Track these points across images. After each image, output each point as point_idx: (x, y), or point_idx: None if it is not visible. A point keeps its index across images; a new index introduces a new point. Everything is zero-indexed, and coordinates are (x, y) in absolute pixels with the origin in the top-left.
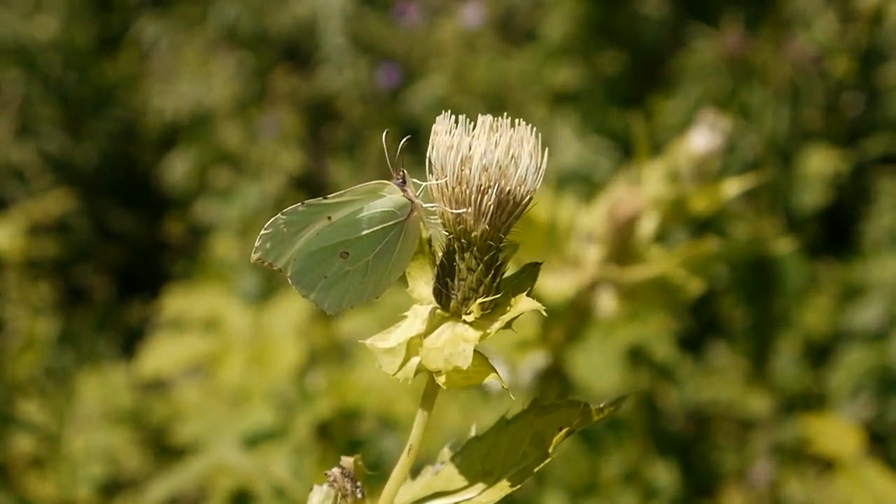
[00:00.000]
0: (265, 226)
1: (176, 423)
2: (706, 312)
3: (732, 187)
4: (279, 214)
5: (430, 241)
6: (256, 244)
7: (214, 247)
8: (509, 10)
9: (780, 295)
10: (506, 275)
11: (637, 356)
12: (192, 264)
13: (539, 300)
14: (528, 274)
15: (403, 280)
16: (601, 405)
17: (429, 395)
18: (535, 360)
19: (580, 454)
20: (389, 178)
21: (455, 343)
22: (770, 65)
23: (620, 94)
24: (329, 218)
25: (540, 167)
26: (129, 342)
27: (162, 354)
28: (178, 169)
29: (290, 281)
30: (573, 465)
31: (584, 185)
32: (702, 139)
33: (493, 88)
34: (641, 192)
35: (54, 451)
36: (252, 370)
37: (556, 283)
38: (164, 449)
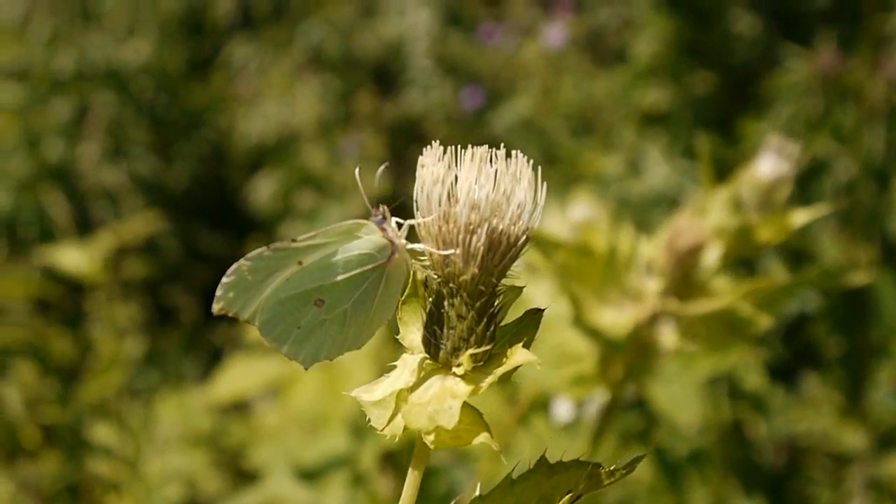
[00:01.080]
0: (227, 273)
1: (252, 446)
2: (799, 341)
3: (801, 216)
4: (242, 260)
5: (425, 283)
6: (218, 293)
7: None
8: (597, 30)
9: (877, 324)
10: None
11: (724, 387)
12: None
13: (597, 334)
14: (530, 322)
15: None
16: (612, 468)
17: (419, 454)
18: (600, 395)
19: (664, 489)
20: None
21: (442, 399)
22: (865, 84)
23: (710, 115)
24: (300, 263)
25: (537, 204)
26: (214, 363)
27: (235, 378)
28: (263, 191)
29: (259, 333)
30: (657, 499)
31: (671, 209)
32: (768, 165)
33: (580, 109)
34: (703, 222)
35: (131, 474)
36: (324, 396)
37: (615, 317)
38: (240, 473)
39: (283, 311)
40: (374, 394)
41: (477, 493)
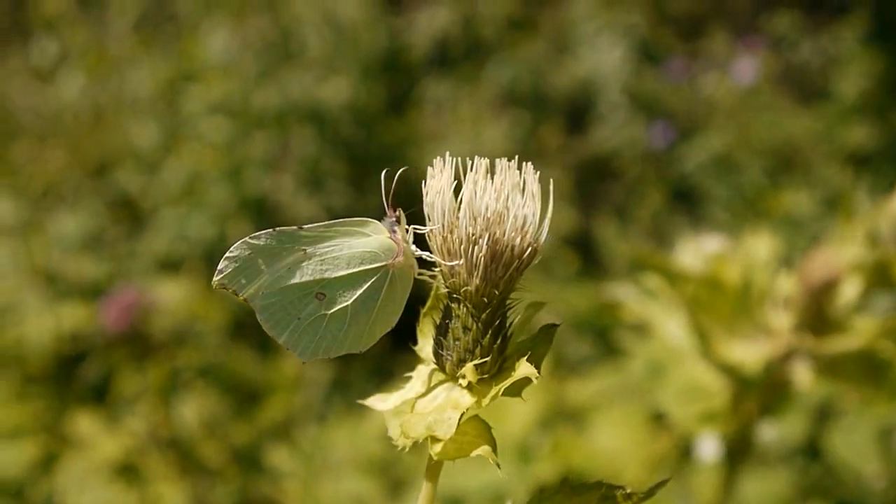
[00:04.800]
0: (231, 248)
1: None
2: None
3: None
4: (247, 238)
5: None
6: (220, 266)
7: None
8: (798, 65)
9: None
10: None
11: None
12: None
13: (729, 369)
14: (543, 337)
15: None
16: (630, 492)
17: (431, 465)
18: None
19: None
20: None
21: (442, 410)
22: None
23: None
24: (304, 251)
25: (544, 217)
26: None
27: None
28: None
29: (258, 317)
30: None
31: None
32: None
33: (776, 147)
34: (837, 255)
35: (305, 494)
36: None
37: (747, 352)
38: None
39: (283, 299)
40: (388, 403)
41: None
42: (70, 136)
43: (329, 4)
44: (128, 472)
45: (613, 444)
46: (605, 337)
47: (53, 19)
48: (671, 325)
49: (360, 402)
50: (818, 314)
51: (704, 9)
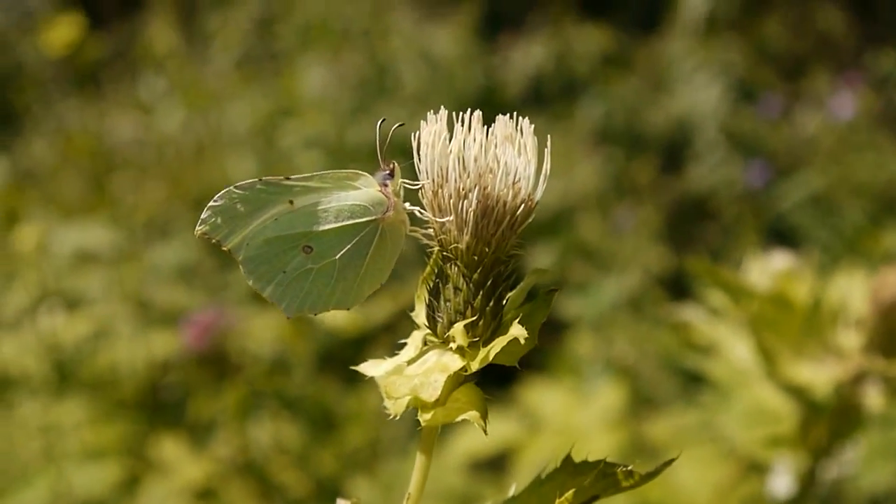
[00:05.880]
0: (215, 197)
1: None
2: None
3: None
4: (232, 187)
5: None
6: (204, 215)
7: (570, 341)
8: None
9: None
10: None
11: None
12: (550, 357)
13: (797, 391)
14: (542, 302)
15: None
16: (630, 469)
17: (424, 436)
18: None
19: None
20: None
21: (430, 373)
22: None
23: None
24: (291, 203)
25: (540, 172)
26: None
27: (471, 438)
28: (542, 262)
29: (242, 269)
30: None
31: None
32: None
33: (880, 188)
34: None
35: None
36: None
37: (815, 373)
38: None
39: (269, 251)
40: (380, 369)
41: (511, 492)
42: (170, 168)
43: (425, 42)
44: (208, 496)
45: (692, 481)
46: (695, 377)
47: (161, 57)
48: (738, 346)
49: (353, 367)
50: (890, 335)
51: (807, 47)
